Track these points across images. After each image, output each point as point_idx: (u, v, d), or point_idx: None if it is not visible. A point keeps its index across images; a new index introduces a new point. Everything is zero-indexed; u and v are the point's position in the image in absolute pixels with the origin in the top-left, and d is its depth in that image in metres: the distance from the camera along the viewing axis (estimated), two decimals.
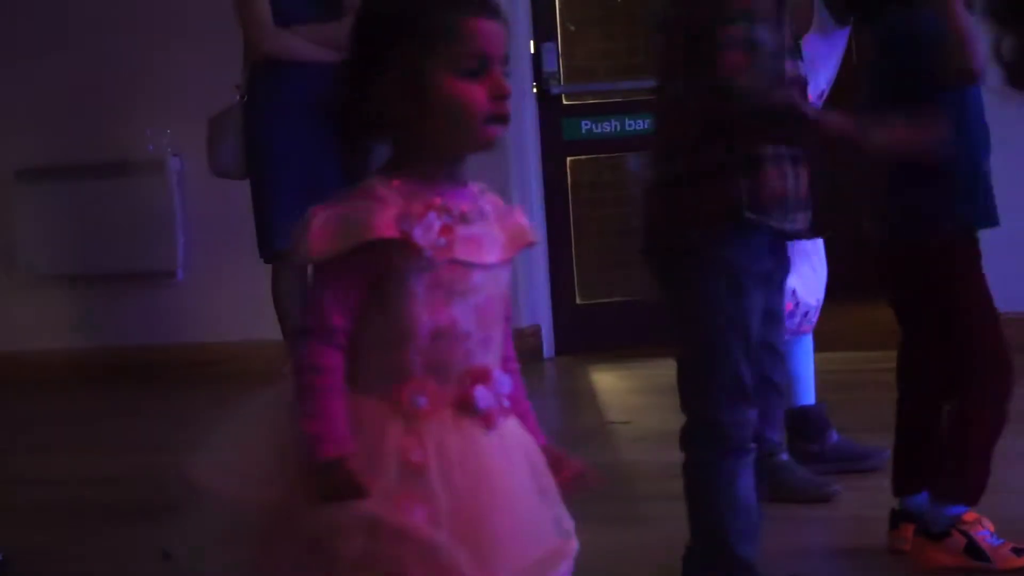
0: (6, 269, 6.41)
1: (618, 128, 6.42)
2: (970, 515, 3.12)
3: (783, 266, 2.81)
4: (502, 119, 1.87)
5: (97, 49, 6.19)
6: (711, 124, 2.63)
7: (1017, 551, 3.10)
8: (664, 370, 5.78)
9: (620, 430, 4.86)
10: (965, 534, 3.09)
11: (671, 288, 2.78)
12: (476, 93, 1.84)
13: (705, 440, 2.74)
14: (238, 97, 4.87)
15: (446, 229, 1.84)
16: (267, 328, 5.13)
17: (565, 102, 6.44)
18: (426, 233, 1.82)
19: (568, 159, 6.44)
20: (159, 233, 6.28)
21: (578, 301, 6.44)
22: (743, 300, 2.67)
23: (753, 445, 2.73)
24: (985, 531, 3.11)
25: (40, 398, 6.03)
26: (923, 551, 3.13)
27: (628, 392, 5.63)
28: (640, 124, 6.39)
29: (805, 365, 3.99)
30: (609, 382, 5.80)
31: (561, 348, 6.35)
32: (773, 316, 2.81)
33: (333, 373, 1.82)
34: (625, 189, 6.75)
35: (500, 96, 1.86)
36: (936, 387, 3.19)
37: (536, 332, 6.25)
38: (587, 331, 6.37)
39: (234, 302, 5.93)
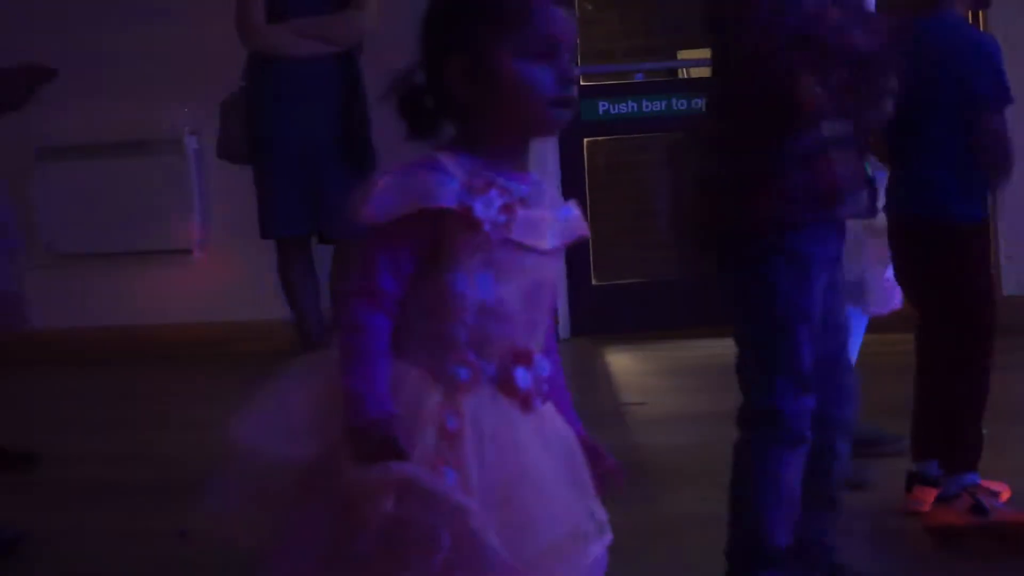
0: (27, 247, 6.40)
1: (636, 109, 6.40)
2: (983, 485, 3.24)
3: (843, 243, 2.78)
4: (568, 104, 1.87)
5: (116, 29, 6.19)
6: (768, 122, 2.60)
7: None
8: (680, 352, 5.86)
9: (635, 411, 4.87)
10: (972, 495, 3.25)
11: (735, 273, 2.75)
12: (544, 77, 1.85)
13: (763, 427, 2.70)
14: (242, 82, 4.93)
15: (507, 208, 1.84)
16: (281, 307, 5.16)
17: (583, 83, 6.43)
18: (486, 208, 1.82)
19: (585, 140, 6.42)
20: (176, 211, 6.30)
21: (594, 282, 6.45)
22: (809, 287, 2.66)
23: (809, 434, 2.69)
24: (995, 500, 3.27)
25: (57, 376, 6.06)
26: (933, 512, 3.31)
27: (644, 374, 5.65)
28: (658, 105, 6.39)
29: (855, 345, 4.01)
30: (625, 363, 5.81)
31: (577, 329, 6.35)
32: (837, 292, 2.77)
33: (379, 335, 1.82)
34: (642, 170, 6.74)
35: (566, 81, 1.86)
36: (945, 363, 3.31)
37: (553, 313, 6.24)
38: (603, 312, 6.37)
39: (250, 281, 5.93)
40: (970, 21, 3.38)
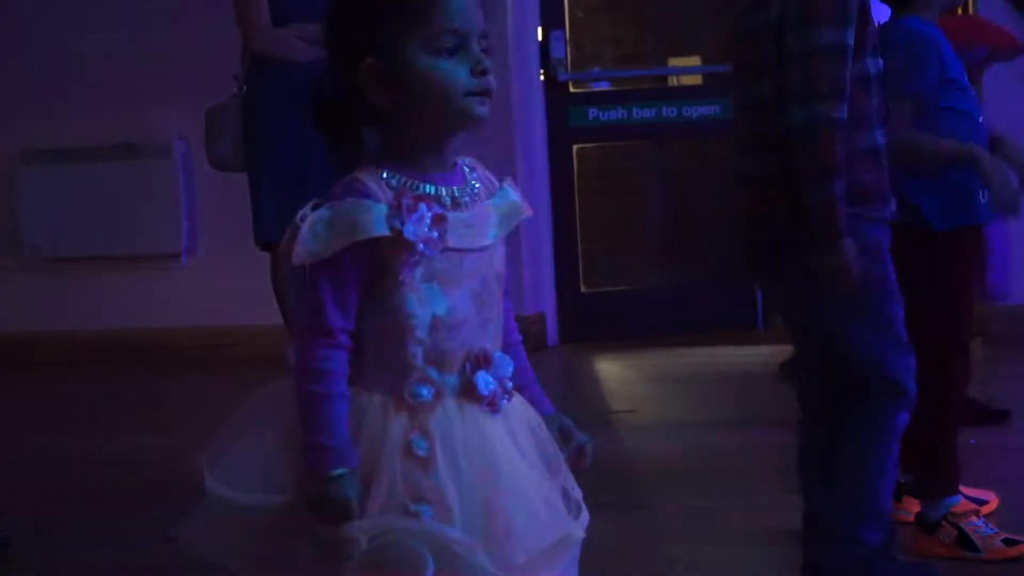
0: (11, 251, 6.42)
1: (625, 116, 6.42)
2: (962, 506, 3.21)
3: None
4: (485, 93, 1.83)
5: (102, 32, 6.20)
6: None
7: (1008, 542, 3.17)
8: (668, 359, 5.88)
9: (624, 418, 4.88)
10: (955, 525, 3.20)
11: (797, 270, 2.74)
12: (456, 70, 1.81)
13: (876, 395, 2.78)
14: (237, 89, 4.93)
15: (437, 219, 1.81)
16: (268, 312, 5.17)
17: (572, 89, 6.45)
18: (417, 227, 1.80)
19: (575, 146, 6.44)
20: (164, 216, 6.30)
21: (583, 289, 6.45)
22: (887, 268, 2.75)
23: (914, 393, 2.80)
24: (979, 521, 3.18)
25: (46, 380, 6.05)
26: (916, 542, 3.25)
27: (632, 381, 5.66)
28: (648, 112, 6.40)
29: None
30: (613, 371, 5.82)
31: (565, 336, 6.36)
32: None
33: (335, 377, 1.81)
34: (632, 178, 6.76)
35: (480, 71, 1.82)
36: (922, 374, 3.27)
37: (540, 320, 6.26)
38: (592, 319, 6.38)
39: (237, 286, 5.94)
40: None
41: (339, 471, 1.77)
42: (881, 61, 2.76)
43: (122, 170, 6.28)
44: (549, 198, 6.36)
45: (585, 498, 1.98)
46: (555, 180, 6.38)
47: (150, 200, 6.28)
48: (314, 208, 1.82)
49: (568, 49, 6.40)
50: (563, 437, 1.96)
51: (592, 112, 6.42)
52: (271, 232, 4.97)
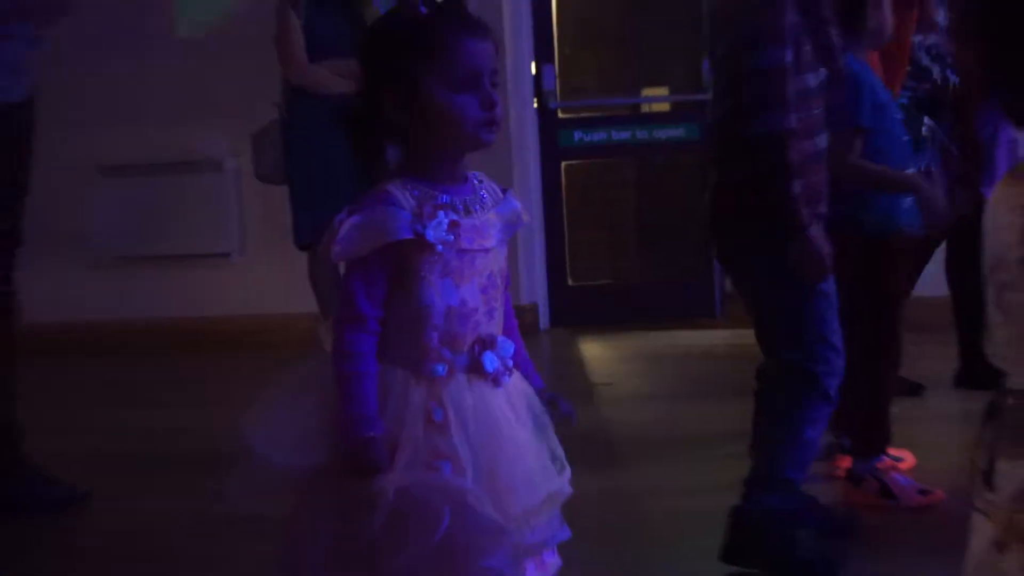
0: (87, 251, 6.41)
1: (606, 138, 6.42)
2: (886, 463, 3.24)
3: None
4: (493, 124, 1.84)
5: (168, 66, 6.18)
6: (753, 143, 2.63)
7: (922, 492, 3.21)
8: (642, 341, 5.88)
9: (604, 391, 4.88)
10: (878, 479, 3.23)
11: (768, 261, 2.69)
12: (469, 103, 1.82)
13: (798, 382, 2.70)
14: (278, 114, 4.95)
15: (453, 225, 1.83)
16: (306, 302, 5.17)
17: (561, 115, 6.44)
18: (436, 231, 1.81)
19: (563, 163, 6.43)
20: (217, 221, 6.29)
21: (570, 283, 6.45)
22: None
23: (835, 395, 2.72)
24: (897, 475, 3.23)
25: (113, 362, 6.04)
26: (846, 493, 3.28)
27: (611, 359, 5.65)
28: (625, 135, 6.42)
29: None
30: (595, 351, 5.82)
31: (555, 322, 6.36)
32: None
33: (366, 358, 1.82)
34: (611, 189, 6.76)
35: (489, 105, 1.83)
36: (856, 355, 3.25)
37: (534, 309, 6.26)
38: (577, 308, 6.38)
39: (278, 280, 5.93)
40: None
41: (369, 435, 1.79)
42: (824, 72, 2.72)
43: (182, 182, 6.27)
44: (541, 206, 6.36)
45: (570, 458, 1.99)
46: (547, 191, 6.37)
47: (205, 207, 6.27)
48: (349, 214, 1.83)
49: (557, 81, 6.39)
50: (551, 407, 1.97)
51: (577, 134, 6.41)
52: (307, 235, 4.99)
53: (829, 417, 2.81)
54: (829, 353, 2.70)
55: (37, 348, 5.45)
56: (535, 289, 6.31)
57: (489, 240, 1.88)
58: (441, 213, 1.82)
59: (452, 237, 1.83)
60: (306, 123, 4.90)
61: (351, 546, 1.81)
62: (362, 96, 1.89)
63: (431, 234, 1.81)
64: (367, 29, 1.97)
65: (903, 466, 3.35)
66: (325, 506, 1.84)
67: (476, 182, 1.92)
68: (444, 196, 1.85)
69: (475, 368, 1.86)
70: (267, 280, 6.14)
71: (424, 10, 1.83)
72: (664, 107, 6.62)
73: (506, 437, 1.85)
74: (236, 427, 1.88)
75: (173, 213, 6.27)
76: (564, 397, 2.01)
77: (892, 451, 3.33)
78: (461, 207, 1.86)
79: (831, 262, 2.63)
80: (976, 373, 4.26)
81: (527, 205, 6.26)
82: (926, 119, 3.92)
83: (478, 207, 1.88)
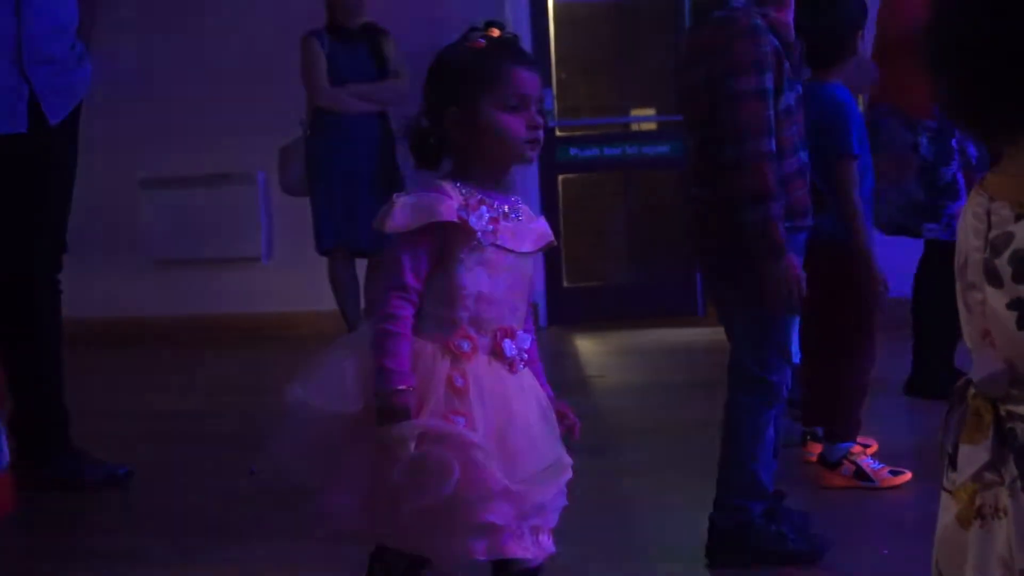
0: (133, 254, 6.42)
1: (598, 154, 6.42)
2: (856, 448, 3.21)
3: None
4: (536, 143, 1.92)
5: (205, 89, 6.18)
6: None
7: (893, 472, 3.19)
8: (631, 338, 5.87)
9: (596, 382, 4.87)
10: (853, 462, 3.20)
11: (739, 275, 2.57)
12: (517, 124, 1.90)
13: (756, 392, 2.61)
14: (303, 132, 4.96)
15: (493, 220, 1.89)
16: (327, 302, 5.17)
17: (558, 133, 6.42)
18: (479, 220, 1.87)
19: (560, 177, 6.43)
20: (248, 228, 6.30)
21: (565, 284, 6.44)
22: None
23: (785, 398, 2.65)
24: (868, 459, 3.19)
25: (155, 354, 6.04)
26: (823, 477, 3.20)
27: (603, 354, 5.64)
28: (616, 151, 6.42)
29: None
30: (588, 346, 5.81)
31: (551, 321, 6.35)
32: None
33: (404, 322, 1.86)
34: (603, 200, 6.75)
35: (534, 127, 1.91)
36: (826, 353, 3.22)
37: (534, 308, 6.21)
38: (572, 307, 6.37)
39: (303, 281, 5.92)
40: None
41: (401, 386, 1.82)
42: (799, 87, 2.61)
43: (217, 193, 6.27)
44: (540, 215, 6.34)
45: (565, 442, 2.00)
46: (545, 202, 6.36)
47: (237, 216, 6.27)
48: (404, 195, 1.89)
49: (555, 103, 6.38)
50: (558, 415, 1.99)
51: (573, 150, 6.40)
52: (328, 242, 5.01)
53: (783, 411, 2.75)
54: (784, 363, 2.62)
55: (89, 341, 5.46)
56: (534, 290, 6.30)
57: (522, 245, 1.95)
58: (484, 208, 1.89)
59: (492, 228, 1.88)
60: (328, 140, 4.93)
61: (380, 491, 1.84)
62: (426, 114, 1.95)
63: (474, 221, 1.87)
64: (435, 57, 2.00)
65: (869, 451, 3.33)
66: (359, 454, 1.87)
67: (515, 199, 1.99)
68: (488, 198, 1.92)
69: (495, 351, 1.90)
70: (292, 281, 6.13)
71: (483, 42, 1.92)
72: (651, 126, 6.61)
73: (515, 410, 1.88)
74: (266, 411, 1.88)
75: (210, 221, 6.28)
76: (573, 411, 2.03)
77: (860, 439, 3.30)
78: (502, 211, 1.92)
79: (803, 291, 2.50)
80: (927, 382, 4.03)
81: None
82: (956, 132, 3.82)
83: (515, 216, 1.95)
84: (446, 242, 1.87)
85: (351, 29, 5.01)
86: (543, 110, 1.93)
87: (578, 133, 6.55)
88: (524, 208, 1.99)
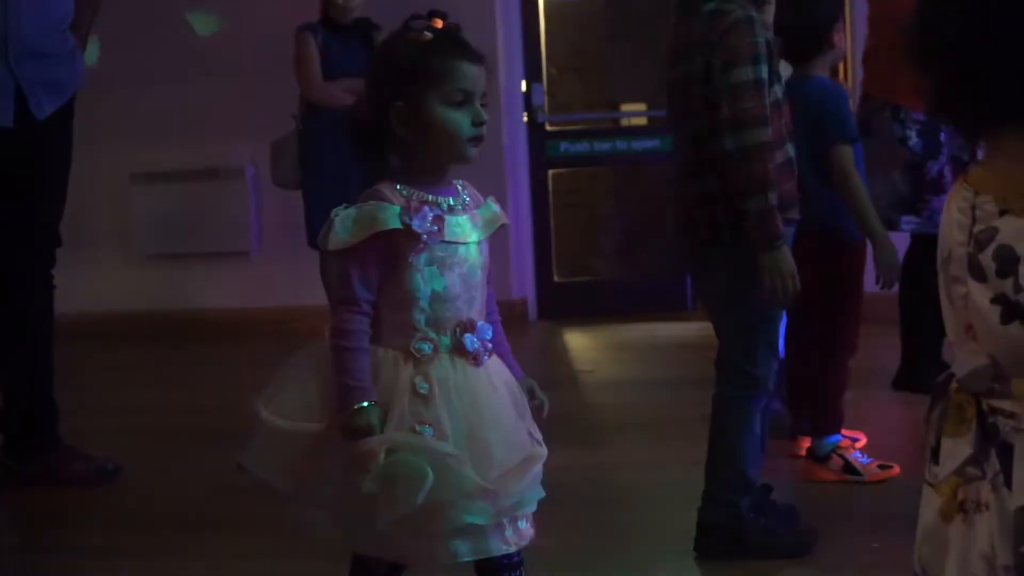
0: (123, 249, 6.41)
1: (588, 148, 6.41)
2: (844, 442, 3.21)
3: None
4: (478, 140, 1.88)
5: (195, 83, 6.17)
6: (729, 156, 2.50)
7: (881, 466, 3.20)
8: (621, 333, 5.87)
9: (586, 376, 4.87)
10: (842, 457, 3.20)
11: (727, 270, 2.58)
12: (460, 120, 1.86)
13: (744, 386, 2.62)
14: (295, 126, 4.95)
15: (437, 219, 1.86)
16: (317, 296, 5.15)
17: (548, 128, 6.42)
18: (422, 223, 1.84)
19: (551, 172, 6.42)
20: (238, 223, 6.27)
21: (556, 279, 6.44)
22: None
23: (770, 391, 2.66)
24: (856, 453, 3.20)
25: (145, 348, 6.02)
26: (812, 471, 3.21)
27: (592, 348, 5.64)
28: (606, 146, 6.41)
29: None
30: (578, 341, 5.81)
31: (542, 315, 6.34)
32: None
33: (357, 335, 1.84)
34: (593, 195, 6.75)
35: (478, 123, 1.87)
36: (817, 346, 3.23)
37: (524, 302, 6.25)
38: (562, 302, 6.36)
39: (293, 276, 5.90)
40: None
41: (363, 404, 1.80)
42: (783, 82, 2.61)
43: (207, 188, 6.25)
44: (531, 210, 6.35)
45: (554, 437, 1.99)
46: (535, 197, 6.36)
47: (227, 210, 6.25)
48: (344, 208, 1.86)
49: (545, 98, 6.37)
50: (529, 395, 1.97)
51: (563, 145, 6.40)
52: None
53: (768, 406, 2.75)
54: (770, 357, 2.63)
55: (80, 335, 5.44)
56: (525, 285, 6.30)
57: (470, 235, 1.90)
58: (426, 208, 1.86)
59: (437, 228, 1.85)
60: (319, 134, 4.91)
61: (353, 503, 1.82)
62: (370, 110, 1.91)
63: (417, 224, 1.84)
64: (378, 49, 2.00)
65: (858, 445, 3.33)
66: (329, 467, 1.85)
67: (460, 187, 1.95)
68: (429, 196, 1.88)
69: (457, 348, 1.87)
70: (282, 276, 6.12)
71: (428, 35, 1.87)
72: (641, 121, 6.60)
73: (485, 406, 1.86)
74: (252, 404, 1.88)
75: (200, 216, 6.26)
76: (539, 386, 2.00)
77: (847, 432, 3.31)
78: (445, 205, 1.89)
79: (798, 284, 2.50)
80: (916, 376, 4.02)
81: (518, 209, 6.26)
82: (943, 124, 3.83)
83: (460, 207, 1.91)
84: (393, 248, 1.85)
85: (344, 24, 5.00)
86: (487, 103, 1.89)
87: (568, 128, 6.55)
88: (472, 192, 1.96)
